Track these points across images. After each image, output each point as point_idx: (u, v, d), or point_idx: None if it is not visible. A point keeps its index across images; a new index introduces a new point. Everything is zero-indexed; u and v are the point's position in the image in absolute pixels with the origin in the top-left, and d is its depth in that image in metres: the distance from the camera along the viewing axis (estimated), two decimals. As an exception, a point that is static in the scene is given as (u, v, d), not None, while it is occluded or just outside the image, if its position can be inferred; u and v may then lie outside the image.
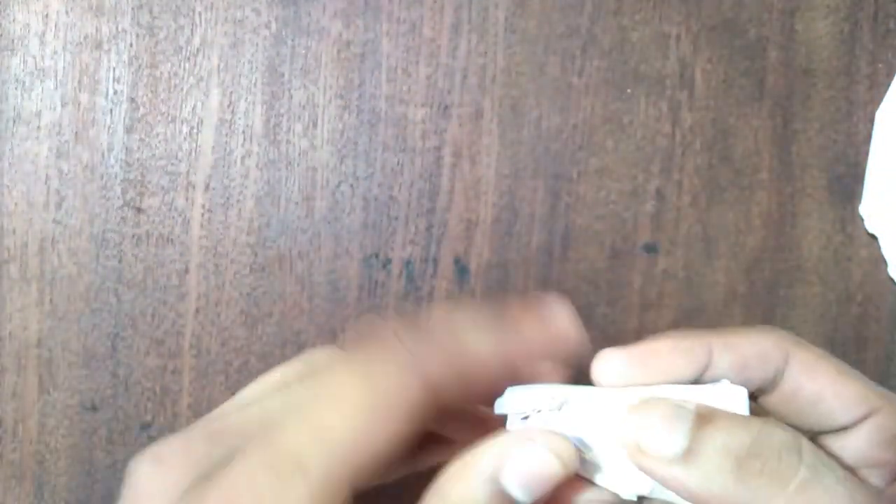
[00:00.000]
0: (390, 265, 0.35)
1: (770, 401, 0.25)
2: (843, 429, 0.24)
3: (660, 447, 0.21)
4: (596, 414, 0.23)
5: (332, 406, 0.23)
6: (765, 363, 0.24)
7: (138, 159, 0.35)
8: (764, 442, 0.21)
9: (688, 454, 0.21)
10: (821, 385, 0.24)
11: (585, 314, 0.35)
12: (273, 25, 0.35)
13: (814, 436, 0.25)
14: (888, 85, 0.36)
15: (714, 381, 0.24)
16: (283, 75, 0.35)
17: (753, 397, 0.25)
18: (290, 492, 0.21)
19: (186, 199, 0.35)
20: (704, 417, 0.21)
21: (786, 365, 0.24)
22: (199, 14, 0.35)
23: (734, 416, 0.22)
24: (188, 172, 0.35)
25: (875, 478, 0.24)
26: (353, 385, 0.23)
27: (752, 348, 0.25)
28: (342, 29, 0.35)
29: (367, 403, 0.23)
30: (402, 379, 0.23)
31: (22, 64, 0.35)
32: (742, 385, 0.23)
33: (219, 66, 0.35)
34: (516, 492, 0.22)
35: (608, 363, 0.24)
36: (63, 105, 0.35)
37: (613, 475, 0.23)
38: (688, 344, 0.24)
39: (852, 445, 0.24)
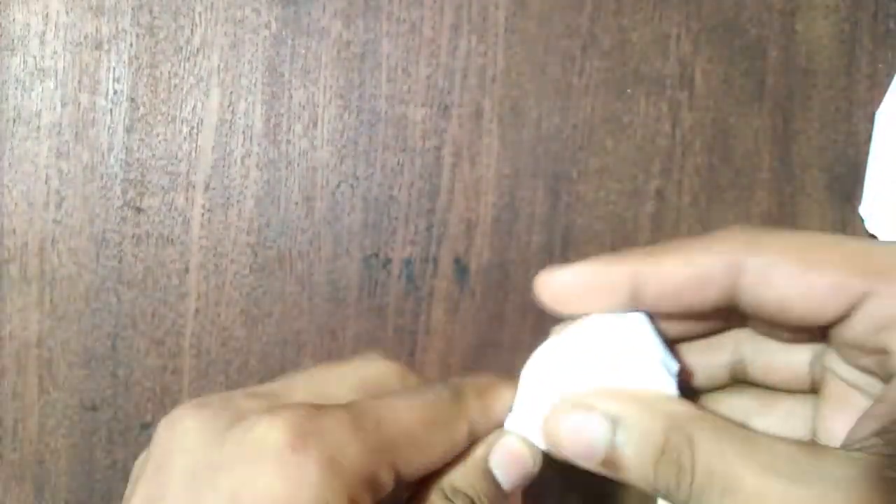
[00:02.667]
0: (390, 265, 0.35)
1: (747, 314, 0.23)
2: (834, 324, 0.22)
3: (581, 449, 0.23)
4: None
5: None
6: (704, 286, 0.22)
7: (138, 159, 0.35)
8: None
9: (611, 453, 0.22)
10: (781, 290, 0.22)
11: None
12: (273, 25, 0.35)
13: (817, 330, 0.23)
14: (888, 85, 0.35)
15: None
16: (283, 75, 0.35)
17: (711, 316, 0.24)
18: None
19: (186, 199, 0.35)
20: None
21: (738, 278, 0.22)
22: (199, 14, 0.35)
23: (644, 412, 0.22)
24: (188, 172, 0.35)
25: (878, 366, 0.22)
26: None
27: (684, 271, 0.23)
28: (342, 29, 0.35)
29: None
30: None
31: (22, 64, 0.35)
32: (683, 312, 0.23)
33: (219, 66, 0.35)
34: (498, 473, 0.24)
35: (554, 283, 0.24)
36: (63, 105, 0.35)
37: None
38: (610, 276, 0.23)
39: (849, 335, 0.22)
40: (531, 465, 0.25)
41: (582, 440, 0.23)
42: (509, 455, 0.25)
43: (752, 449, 0.20)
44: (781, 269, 0.22)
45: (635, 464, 0.22)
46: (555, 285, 0.24)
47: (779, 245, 0.22)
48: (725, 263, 0.22)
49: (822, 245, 0.22)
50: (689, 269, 0.22)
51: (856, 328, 0.22)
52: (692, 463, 0.20)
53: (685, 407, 0.22)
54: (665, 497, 0.22)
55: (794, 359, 0.25)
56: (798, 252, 0.22)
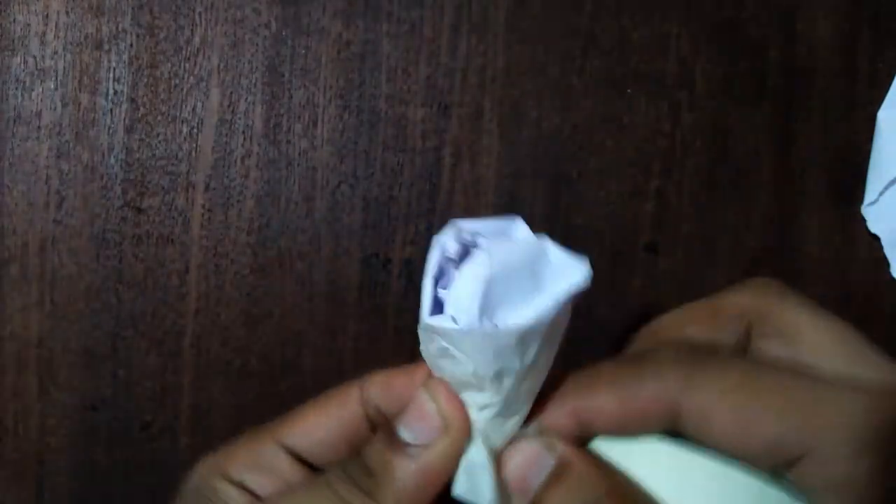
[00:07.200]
0: (390, 265, 0.35)
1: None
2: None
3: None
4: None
5: None
6: (643, 422, 0.22)
7: (138, 159, 0.35)
8: None
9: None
10: (717, 437, 0.21)
11: (585, 314, 0.35)
12: (273, 25, 0.35)
13: None
14: (888, 85, 0.35)
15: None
16: (283, 75, 0.35)
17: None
18: None
19: (186, 199, 0.35)
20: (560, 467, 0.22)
21: (676, 415, 0.22)
22: (199, 14, 0.35)
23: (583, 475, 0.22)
24: (188, 172, 0.35)
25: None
26: None
27: (620, 409, 0.22)
28: (342, 29, 0.35)
29: None
30: None
31: (22, 64, 0.35)
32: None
33: (219, 66, 0.35)
34: (406, 434, 0.22)
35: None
36: (63, 105, 0.35)
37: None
38: (558, 420, 0.23)
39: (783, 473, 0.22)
40: (436, 420, 0.22)
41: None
42: (417, 412, 0.22)
43: None
44: (718, 418, 0.21)
45: None
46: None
47: (716, 385, 0.21)
48: (662, 402, 0.21)
49: (763, 389, 0.21)
50: (624, 407, 0.22)
51: (791, 476, 0.21)
52: None
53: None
54: None
55: None
56: (737, 396, 0.21)
